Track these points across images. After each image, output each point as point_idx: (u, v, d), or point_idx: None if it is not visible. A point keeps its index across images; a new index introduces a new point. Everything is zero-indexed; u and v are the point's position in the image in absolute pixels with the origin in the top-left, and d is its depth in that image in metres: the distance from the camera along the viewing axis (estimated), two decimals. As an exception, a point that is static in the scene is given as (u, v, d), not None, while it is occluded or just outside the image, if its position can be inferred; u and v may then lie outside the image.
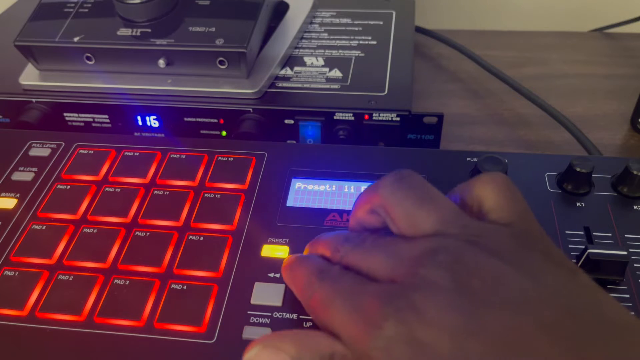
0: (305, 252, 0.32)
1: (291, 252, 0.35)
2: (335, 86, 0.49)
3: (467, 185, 0.29)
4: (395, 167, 0.40)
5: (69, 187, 0.40)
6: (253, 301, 0.32)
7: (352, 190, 0.39)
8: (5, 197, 0.40)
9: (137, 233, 0.36)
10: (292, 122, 0.48)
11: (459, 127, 0.56)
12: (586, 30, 0.72)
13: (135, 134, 0.51)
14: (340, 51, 0.54)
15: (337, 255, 0.28)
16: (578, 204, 0.37)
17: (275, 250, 0.35)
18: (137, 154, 0.42)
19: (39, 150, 0.43)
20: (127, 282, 0.34)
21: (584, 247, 0.33)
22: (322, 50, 0.54)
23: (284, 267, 0.31)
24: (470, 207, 0.28)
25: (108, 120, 0.50)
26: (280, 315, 0.32)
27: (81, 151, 0.43)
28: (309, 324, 0.31)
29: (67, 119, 0.51)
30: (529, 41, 0.69)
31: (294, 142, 0.49)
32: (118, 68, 0.49)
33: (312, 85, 0.50)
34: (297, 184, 0.39)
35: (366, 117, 0.46)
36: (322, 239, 0.31)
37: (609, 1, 0.74)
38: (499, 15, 0.78)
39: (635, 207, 0.36)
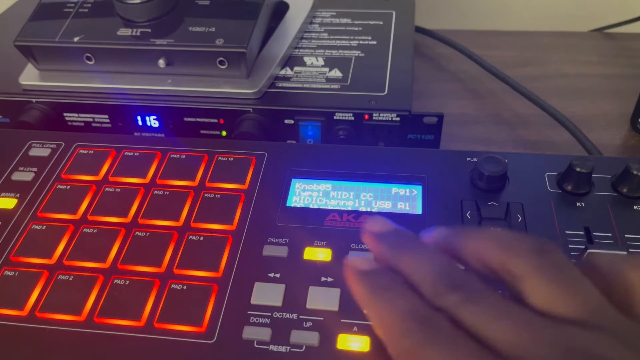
0: (375, 244, 0.27)
1: (291, 251, 0.35)
2: (335, 86, 0.49)
3: (609, 262, 0.25)
4: (395, 167, 0.40)
5: (69, 187, 0.40)
6: (253, 301, 0.32)
7: (352, 190, 0.39)
8: (5, 197, 0.40)
9: (137, 233, 0.36)
10: (292, 122, 0.48)
11: (459, 127, 0.56)
12: (586, 30, 0.72)
13: (135, 134, 0.51)
14: (340, 51, 0.54)
15: (438, 300, 0.23)
16: (578, 204, 0.37)
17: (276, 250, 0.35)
18: (137, 154, 0.42)
19: (39, 150, 0.43)
20: (127, 282, 0.34)
21: (584, 247, 0.33)
22: (322, 50, 0.54)
23: (356, 278, 0.25)
24: (613, 293, 0.24)
25: (108, 120, 0.50)
26: (280, 315, 0.32)
27: (81, 151, 0.43)
28: (309, 324, 0.31)
29: (67, 119, 0.51)
30: (529, 41, 0.69)
31: (294, 142, 0.49)
32: (118, 68, 0.49)
33: (312, 85, 0.50)
34: (297, 184, 0.39)
35: (366, 117, 0.46)
36: (413, 255, 0.26)
37: (609, 1, 0.74)
38: (499, 15, 0.78)
39: (635, 207, 0.36)
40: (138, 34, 0.48)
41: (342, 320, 0.31)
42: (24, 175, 0.41)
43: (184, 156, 0.41)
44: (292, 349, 0.30)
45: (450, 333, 0.22)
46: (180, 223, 0.37)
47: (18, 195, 0.40)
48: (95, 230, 0.37)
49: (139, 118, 0.49)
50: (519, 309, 0.23)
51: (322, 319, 0.31)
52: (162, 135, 0.50)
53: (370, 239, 0.27)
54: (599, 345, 0.21)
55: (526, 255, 0.24)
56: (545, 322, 0.22)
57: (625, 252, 0.31)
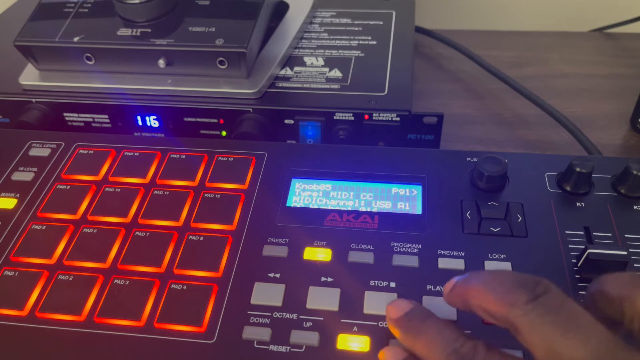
0: (400, 332, 0.29)
1: (291, 251, 0.35)
2: (335, 86, 0.49)
3: (621, 288, 0.25)
4: (395, 167, 0.40)
5: (69, 187, 0.40)
6: (253, 301, 0.32)
7: (351, 190, 0.39)
8: (5, 197, 0.40)
9: (137, 233, 0.36)
10: (292, 122, 0.48)
11: (459, 127, 0.56)
12: (586, 30, 0.72)
13: (135, 134, 0.51)
14: (340, 51, 0.54)
15: None
16: (578, 204, 0.37)
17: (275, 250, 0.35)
18: (137, 154, 0.42)
19: (39, 150, 0.43)
20: (127, 282, 0.34)
21: (584, 247, 0.33)
22: (322, 50, 0.54)
23: None
24: (628, 320, 0.24)
25: (108, 120, 0.50)
26: (280, 315, 0.32)
27: (81, 151, 0.43)
28: (309, 324, 0.31)
29: (67, 119, 0.51)
30: (529, 41, 0.69)
31: (294, 142, 0.49)
32: (118, 68, 0.49)
33: (312, 85, 0.50)
34: (297, 184, 0.39)
35: (366, 117, 0.46)
36: (425, 336, 0.27)
37: (609, 1, 0.74)
38: (499, 15, 0.78)
39: (635, 207, 0.36)
40: (138, 34, 0.48)
41: (342, 320, 0.31)
42: (24, 175, 0.41)
43: (184, 156, 0.41)
44: (292, 349, 0.30)
45: None
46: (180, 223, 0.37)
47: (18, 195, 0.40)
48: (95, 230, 0.37)
49: (139, 118, 0.49)
50: None
51: (322, 319, 0.31)
52: (162, 135, 0.50)
53: (391, 326, 0.30)
54: None
55: (521, 307, 0.24)
56: None
57: (625, 252, 0.31)
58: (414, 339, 0.28)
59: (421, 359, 0.27)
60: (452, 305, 0.28)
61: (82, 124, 0.51)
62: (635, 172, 0.36)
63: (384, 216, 0.37)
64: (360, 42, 0.55)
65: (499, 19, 0.78)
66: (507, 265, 0.34)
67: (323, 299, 0.32)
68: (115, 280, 0.34)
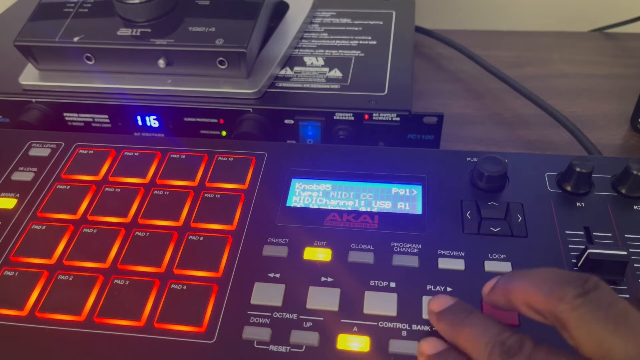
0: (438, 323, 0.29)
1: (291, 251, 0.35)
2: (335, 86, 0.49)
3: None
4: (395, 167, 0.40)
5: (68, 187, 0.40)
6: (253, 301, 0.32)
7: (351, 190, 0.39)
8: (5, 197, 0.40)
9: (137, 233, 0.36)
10: (292, 122, 0.48)
11: (459, 127, 0.56)
12: (586, 30, 0.72)
13: (135, 134, 0.51)
14: (340, 51, 0.54)
15: None
16: (578, 204, 0.37)
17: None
18: (137, 154, 0.42)
19: (39, 150, 0.43)
20: (127, 282, 0.34)
21: (584, 247, 0.33)
22: (322, 50, 0.54)
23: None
24: None
25: (108, 120, 0.50)
26: (280, 315, 0.32)
27: (81, 151, 0.43)
28: (309, 324, 0.31)
29: (67, 119, 0.51)
30: (529, 41, 0.69)
31: (294, 142, 0.49)
32: (118, 68, 0.49)
33: (312, 85, 0.50)
34: (297, 184, 0.39)
35: (366, 117, 0.46)
36: (468, 329, 0.27)
37: (609, 1, 0.74)
38: (499, 15, 0.78)
39: (635, 207, 0.36)
40: (138, 34, 0.48)
41: (342, 320, 0.31)
42: (24, 175, 0.41)
43: (184, 156, 0.41)
44: (292, 349, 0.30)
45: None
46: (180, 223, 0.37)
47: (18, 195, 0.40)
48: (95, 230, 0.37)
49: (138, 118, 0.49)
50: None
51: (322, 319, 0.31)
52: (162, 135, 0.50)
53: (433, 319, 0.29)
54: None
55: (570, 302, 0.23)
56: None
57: (625, 252, 0.31)
58: (457, 331, 0.27)
59: (463, 350, 0.27)
60: (493, 304, 0.28)
61: (82, 124, 0.51)
62: (635, 172, 0.36)
63: (384, 216, 0.37)
64: (360, 42, 0.55)
65: (499, 19, 0.78)
66: (507, 266, 0.34)
67: (323, 299, 0.32)
68: (115, 280, 0.34)
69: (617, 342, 0.22)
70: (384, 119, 0.46)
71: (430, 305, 0.30)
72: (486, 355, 0.25)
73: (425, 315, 0.31)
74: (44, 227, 0.37)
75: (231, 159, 0.41)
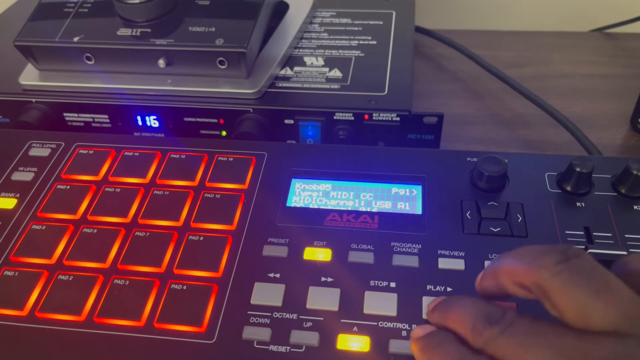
0: (430, 315, 0.29)
1: (291, 251, 0.35)
2: (335, 86, 0.49)
3: None
4: (395, 167, 0.40)
5: (68, 187, 0.40)
6: (253, 301, 0.32)
7: (351, 190, 0.39)
8: (5, 197, 0.40)
9: (137, 233, 0.36)
10: (292, 122, 0.48)
11: (459, 127, 0.56)
12: (586, 30, 0.72)
13: (135, 134, 0.51)
14: (340, 51, 0.54)
15: (478, 340, 0.25)
16: (578, 204, 0.37)
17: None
18: (137, 154, 0.42)
19: (39, 150, 0.43)
20: (127, 282, 0.34)
21: (584, 247, 0.33)
22: (322, 50, 0.54)
23: (415, 343, 0.28)
24: None
25: (108, 120, 0.50)
26: (280, 315, 0.32)
27: (81, 151, 0.43)
28: (309, 324, 0.31)
29: (67, 119, 0.51)
30: (529, 41, 0.69)
31: (294, 142, 0.49)
32: (118, 68, 0.49)
33: (312, 85, 0.50)
34: (297, 184, 0.39)
35: (366, 117, 0.46)
36: (455, 309, 0.27)
37: (609, 1, 0.74)
38: (499, 15, 0.78)
39: (635, 207, 0.36)
40: (138, 34, 0.48)
41: (342, 320, 0.31)
42: (24, 175, 0.41)
43: (184, 156, 0.41)
44: (292, 349, 0.30)
45: None
46: (180, 223, 0.37)
47: (18, 195, 0.40)
48: (95, 230, 0.37)
49: (138, 118, 0.49)
50: (552, 329, 0.23)
51: (322, 319, 0.31)
52: (162, 135, 0.50)
53: (428, 314, 0.30)
54: None
55: (551, 268, 0.23)
56: (582, 344, 0.21)
57: (625, 252, 0.31)
58: (446, 315, 0.27)
59: (452, 330, 0.27)
60: (485, 292, 0.28)
61: (82, 124, 0.51)
62: (635, 172, 0.36)
63: (384, 216, 0.37)
64: (360, 42, 0.55)
65: (499, 19, 0.78)
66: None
67: (323, 299, 0.32)
68: (115, 280, 0.34)
69: (599, 307, 0.22)
70: (384, 119, 0.46)
71: (429, 306, 0.30)
72: (470, 327, 0.25)
73: (425, 315, 0.31)
74: (44, 227, 0.37)
75: (231, 159, 0.41)
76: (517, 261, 0.25)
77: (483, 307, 0.26)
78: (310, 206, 0.38)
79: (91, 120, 0.50)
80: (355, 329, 0.31)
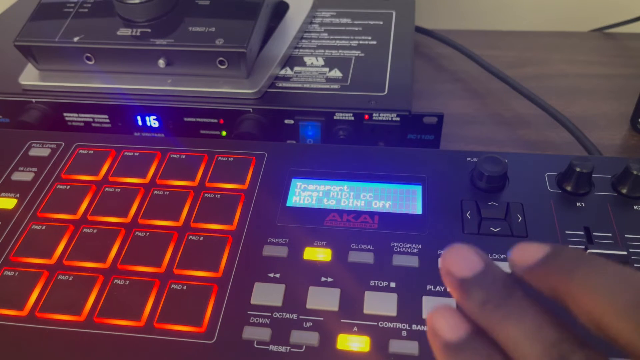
0: (461, 297, 0.21)
1: (291, 251, 0.35)
2: (335, 86, 0.49)
3: None
4: (395, 167, 0.40)
5: (68, 187, 0.40)
6: (253, 301, 0.32)
7: (351, 190, 0.39)
8: (5, 197, 0.40)
9: (137, 233, 0.36)
10: (292, 122, 0.48)
11: (459, 127, 0.56)
12: (586, 30, 0.72)
13: (135, 134, 0.51)
14: (340, 51, 0.54)
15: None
16: (578, 204, 0.37)
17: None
18: (137, 154, 0.42)
19: (39, 150, 0.43)
20: (127, 282, 0.34)
21: (584, 247, 0.33)
22: (322, 50, 0.54)
23: (444, 350, 0.21)
24: None
25: (108, 120, 0.50)
26: (280, 315, 0.32)
27: (81, 151, 0.43)
28: (309, 324, 0.31)
29: (67, 119, 0.51)
30: (529, 41, 0.69)
31: (294, 142, 0.49)
32: (118, 68, 0.49)
33: (312, 85, 0.50)
34: (297, 184, 0.39)
35: (366, 117, 0.46)
36: (510, 323, 0.20)
37: (609, 1, 0.74)
38: (499, 15, 0.78)
39: (635, 207, 0.36)
40: (138, 34, 0.48)
41: (342, 320, 0.31)
42: (24, 175, 0.41)
43: (184, 156, 0.41)
44: (292, 349, 0.30)
45: None
46: (180, 223, 0.37)
47: (18, 195, 0.40)
48: (95, 230, 0.37)
49: (138, 118, 0.49)
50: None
51: (322, 319, 0.31)
52: (162, 135, 0.50)
53: (451, 285, 0.22)
54: None
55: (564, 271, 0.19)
56: None
57: (625, 252, 0.31)
58: (493, 320, 0.20)
59: (499, 344, 0.20)
60: (530, 281, 0.21)
61: (82, 124, 0.51)
62: (635, 172, 0.36)
63: (384, 216, 0.37)
64: (360, 42, 0.55)
65: (499, 19, 0.78)
66: (507, 266, 0.33)
67: (323, 299, 0.32)
68: (115, 280, 0.34)
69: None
70: (384, 119, 0.46)
71: (446, 262, 0.22)
72: None
73: (425, 316, 0.31)
74: (44, 227, 0.37)
75: (231, 159, 0.41)
76: (609, 300, 0.19)
77: (555, 337, 0.19)
78: (310, 206, 0.38)
79: (91, 120, 0.50)
80: (355, 329, 0.31)
